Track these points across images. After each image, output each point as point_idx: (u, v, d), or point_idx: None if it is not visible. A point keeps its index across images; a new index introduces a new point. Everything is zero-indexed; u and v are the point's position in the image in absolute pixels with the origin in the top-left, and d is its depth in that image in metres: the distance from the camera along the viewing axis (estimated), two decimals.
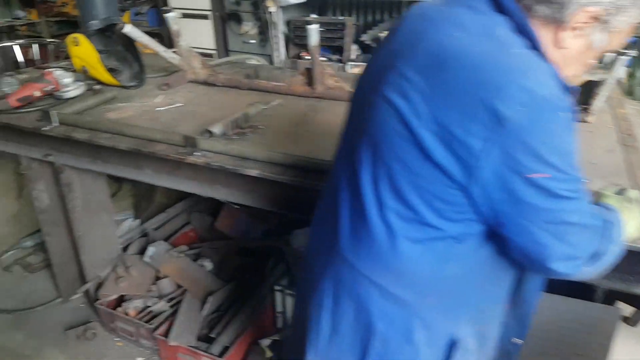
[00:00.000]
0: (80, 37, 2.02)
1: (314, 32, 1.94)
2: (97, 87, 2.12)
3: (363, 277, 0.94)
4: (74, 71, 2.11)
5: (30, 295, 2.50)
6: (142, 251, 2.45)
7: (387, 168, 0.85)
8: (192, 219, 2.76)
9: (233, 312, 2.11)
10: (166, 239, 2.62)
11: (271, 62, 4.01)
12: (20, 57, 3.02)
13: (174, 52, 2.21)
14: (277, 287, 2.10)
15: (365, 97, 0.94)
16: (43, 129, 1.72)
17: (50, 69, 1.96)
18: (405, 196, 0.84)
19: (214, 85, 2.22)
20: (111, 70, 2.14)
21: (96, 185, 2.20)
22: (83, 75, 2.13)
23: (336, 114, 1.91)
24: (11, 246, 2.85)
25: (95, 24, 2.05)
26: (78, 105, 1.86)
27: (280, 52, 3.94)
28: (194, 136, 1.56)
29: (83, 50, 2.05)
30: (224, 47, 4.17)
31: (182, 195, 3.02)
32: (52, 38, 5.04)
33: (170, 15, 2.09)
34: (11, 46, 3.04)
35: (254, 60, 2.83)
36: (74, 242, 2.24)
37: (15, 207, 3.30)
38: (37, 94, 1.89)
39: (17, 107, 1.88)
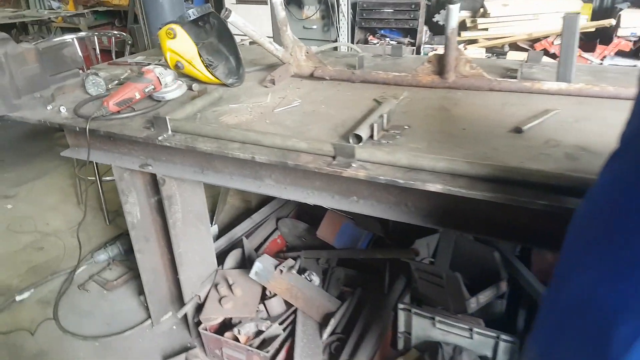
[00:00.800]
0: (177, 28, 1.76)
1: (454, 13, 1.66)
2: (196, 85, 1.87)
3: None
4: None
5: (114, 318, 2.29)
6: (240, 264, 2.23)
7: None
8: (280, 225, 2.53)
9: (357, 335, 1.88)
10: (256, 249, 2.40)
11: (335, 47, 3.73)
12: (79, 52, 2.76)
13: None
14: (401, 306, 1.86)
15: None
16: (159, 138, 1.47)
17: (149, 66, 1.71)
18: None
19: (321, 79, 1.96)
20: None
21: (195, 194, 1.97)
22: (175, 71, 1.87)
23: (481, 106, 1.63)
24: (83, 260, 2.64)
25: (192, 13, 1.79)
26: (188, 109, 1.61)
27: (345, 36, 3.67)
28: (352, 144, 1.30)
29: (179, 43, 1.79)
30: None
31: (263, 199, 2.79)
32: (90, 29, 4.79)
33: (276, 1, 1.82)
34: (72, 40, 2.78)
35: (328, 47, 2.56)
36: (172, 260, 2.02)
37: (78, 214, 3.09)
38: (138, 95, 1.64)
39: (116, 112, 1.63)
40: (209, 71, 1.83)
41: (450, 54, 1.73)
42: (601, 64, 2.97)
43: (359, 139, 1.39)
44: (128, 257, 2.60)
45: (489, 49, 3.31)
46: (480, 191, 1.12)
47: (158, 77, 1.67)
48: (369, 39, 3.68)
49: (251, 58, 2.31)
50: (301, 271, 2.11)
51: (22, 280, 2.53)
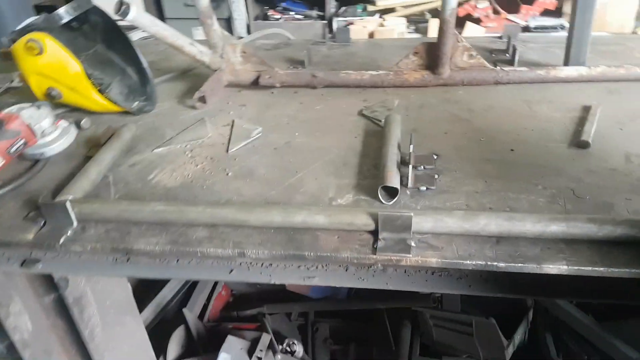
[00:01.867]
0: (44, 38, 1.09)
1: None
2: (86, 121, 1.21)
3: None
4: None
5: None
6: (185, 348, 1.65)
7: None
8: None
9: None
10: (200, 315, 1.83)
11: (229, 27, 3.10)
12: None
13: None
14: None
15: None
16: (60, 242, 0.85)
17: (10, 108, 1.02)
18: None
19: (269, 87, 1.42)
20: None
21: (114, 281, 1.34)
22: (49, 103, 1.19)
23: (504, 110, 1.25)
24: None
25: (64, 13, 1.12)
26: (92, 172, 0.98)
27: (241, 13, 3.04)
28: (404, 213, 0.82)
29: (51, 61, 1.12)
30: (157, 15, 3.14)
31: None
32: None
33: None
34: None
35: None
36: None
37: None
38: (1, 161, 0.97)
39: None
40: (102, 97, 1.19)
41: (447, 42, 1.32)
42: (527, 25, 2.79)
43: (393, 193, 0.92)
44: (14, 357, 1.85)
45: (409, 18, 2.96)
46: (625, 267, 0.75)
47: (29, 126, 1.00)
48: (269, 14, 3.11)
49: (149, 60, 1.65)
50: (277, 339, 1.60)
51: None
